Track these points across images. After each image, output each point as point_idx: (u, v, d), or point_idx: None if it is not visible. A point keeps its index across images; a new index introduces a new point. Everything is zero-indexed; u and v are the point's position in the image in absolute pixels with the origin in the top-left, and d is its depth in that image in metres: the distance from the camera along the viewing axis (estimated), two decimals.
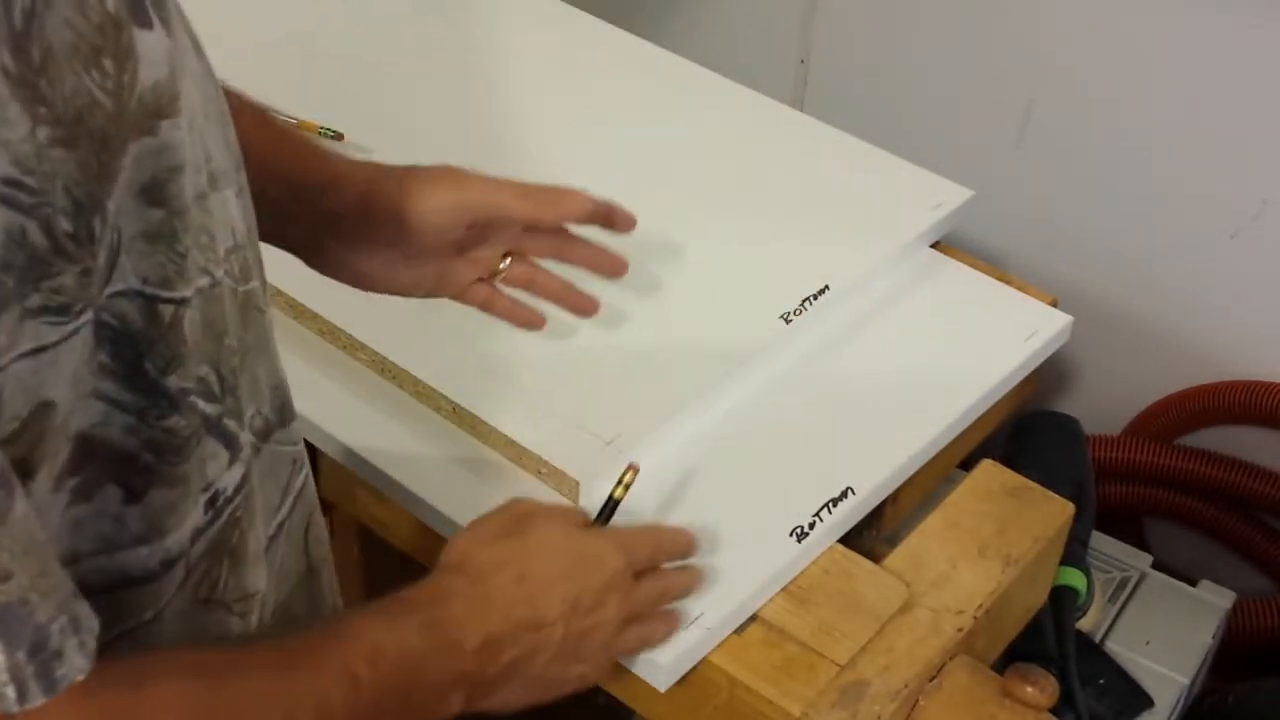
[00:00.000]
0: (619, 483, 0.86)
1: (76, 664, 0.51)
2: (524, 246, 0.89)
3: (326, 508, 1.07)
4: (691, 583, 0.88)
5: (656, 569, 0.85)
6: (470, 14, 1.41)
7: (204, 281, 0.58)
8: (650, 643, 0.85)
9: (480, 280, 0.89)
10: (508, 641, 0.73)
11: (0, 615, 0.48)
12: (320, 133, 1.21)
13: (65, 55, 0.48)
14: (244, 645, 0.65)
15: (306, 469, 0.74)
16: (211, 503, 0.62)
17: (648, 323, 1.06)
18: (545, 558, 0.78)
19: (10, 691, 0.49)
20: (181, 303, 0.57)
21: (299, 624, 0.72)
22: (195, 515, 0.61)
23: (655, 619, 0.85)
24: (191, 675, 0.58)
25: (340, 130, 1.21)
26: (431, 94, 1.29)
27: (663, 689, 0.86)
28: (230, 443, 0.62)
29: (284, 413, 0.71)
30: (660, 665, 0.85)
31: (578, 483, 0.93)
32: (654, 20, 1.68)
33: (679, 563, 0.88)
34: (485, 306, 0.90)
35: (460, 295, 0.89)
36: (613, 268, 0.90)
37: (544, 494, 0.94)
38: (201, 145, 0.58)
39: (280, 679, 0.61)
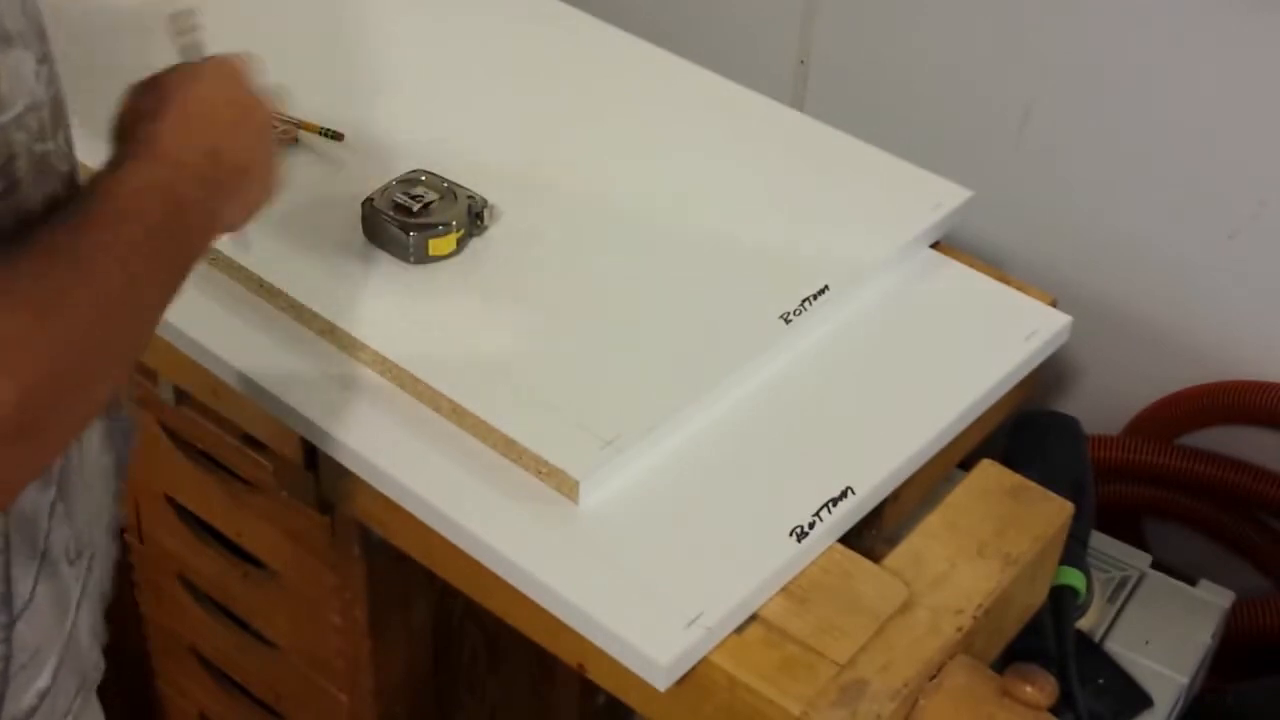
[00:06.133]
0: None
1: None
2: None
3: (326, 507, 1.08)
4: None
5: None
6: (470, 14, 1.41)
7: None
8: None
9: None
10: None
11: None
12: (320, 133, 1.21)
13: None
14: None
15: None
16: None
17: (648, 322, 1.06)
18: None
19: None
20: None
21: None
22: None
23: None
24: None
25: (340, 130, 1.21)
26: (430, 94, 1.29)
27: (663, 689, 0.86)
28: None
29: None
30: (660, 665, 0.85)
31: (577, 482, 0.93)
32: (654, 20, 1.68)
33: None
34: None
35: None
36: None
37: (544, 493, 0.94)
38: None
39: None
